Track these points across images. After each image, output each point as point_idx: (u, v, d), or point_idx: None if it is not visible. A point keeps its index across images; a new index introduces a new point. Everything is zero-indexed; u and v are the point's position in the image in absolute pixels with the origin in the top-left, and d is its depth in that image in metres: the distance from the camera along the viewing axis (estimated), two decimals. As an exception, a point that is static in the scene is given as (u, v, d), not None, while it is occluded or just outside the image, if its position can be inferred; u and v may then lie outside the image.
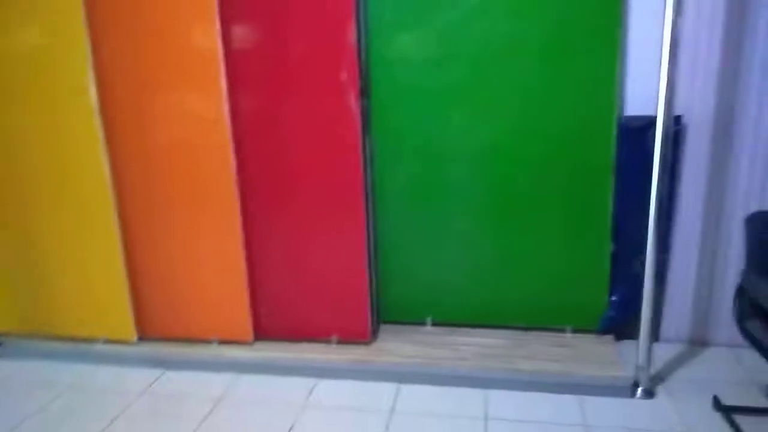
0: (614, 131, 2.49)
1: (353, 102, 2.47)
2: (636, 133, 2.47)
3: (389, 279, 2.82)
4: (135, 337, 2.84)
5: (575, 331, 2.72)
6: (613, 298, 2.66)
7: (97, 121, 2.60)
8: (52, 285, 2.87)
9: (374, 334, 2.76)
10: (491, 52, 2.50)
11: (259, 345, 2.77)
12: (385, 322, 2.87)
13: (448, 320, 2.84)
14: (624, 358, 2.47)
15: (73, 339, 2.90)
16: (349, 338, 2.72)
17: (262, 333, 2.79)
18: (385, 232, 2.77)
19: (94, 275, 2.80)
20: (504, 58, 2.50)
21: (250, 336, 2.77)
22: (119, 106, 2.61)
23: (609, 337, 2.67)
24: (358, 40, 2.44)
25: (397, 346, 2.70)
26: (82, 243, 2.78)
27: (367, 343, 2.71)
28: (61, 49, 2.56)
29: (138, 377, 2.68)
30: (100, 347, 2.85)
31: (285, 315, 2.77)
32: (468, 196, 2.68)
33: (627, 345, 2.53)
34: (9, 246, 2.87)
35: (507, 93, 2.53)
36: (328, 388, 2.53)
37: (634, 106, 2.52)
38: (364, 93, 2.54)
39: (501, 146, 2.59)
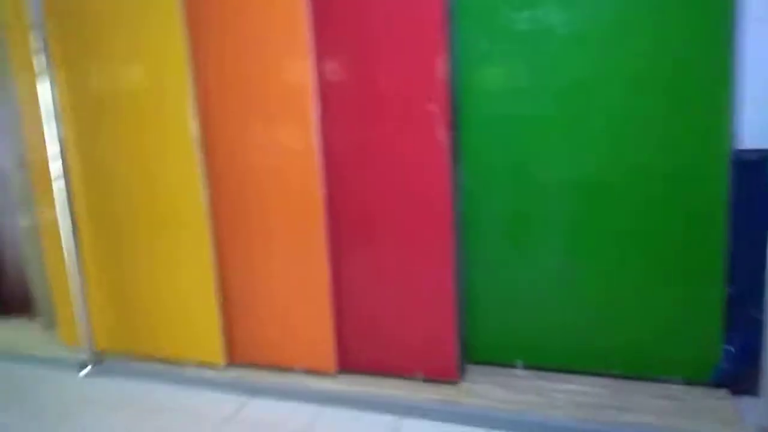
0: (727, 165, 2.29)
1: (442, 134, 2.44)
2: (752, 166, 2.26)
3: (479, 317, 2.71)
4: (223, 362, 2.90)
5: (683, 382, 2.48)
6: (728, 347, 2.40)
7: (196, 151, 2.74)
8: (149, 306, 3.02)
9: (462, 374, 2.65)
10: (586, 82, 2.40)
11: (343, 377, 2.74)
12: (474, 362, 2.75)
13: (541, 364, 2.68)
14: (742, 415, 2.20)
15: (166, 360, 3.01)
16: (435, 376, 2.62)
17: (346, 364, 2.76)
18: (475, 267, 2.68)
19: (188, 298, 2.91)
20: (601, 88, 2.39)
21: (334, 367, 2.74)
22: (216, 136, 2.74)
23: (723, 391, 2.40)
24: (448, 72, 2.43)
25: (485, 388, 2.57)
26: (178, 267, 2.90)
27: (454, 382, 2.60)
28: (165, 84, 2.74)
29: (225, 403, 2.71)
30: (190, 370, 2.93)
31: (370, 347, 2.72)
32: (565, 231, 2.55)
33: (746, 401, 2.27)
34: (112, 266, 3.06)
35: (604, 124, 2.41)
36: (413, 428, 2.44)
37: (750, 138, 2.32)
38: (454, 124, 2.51)
39: (600, 180, 2.46)
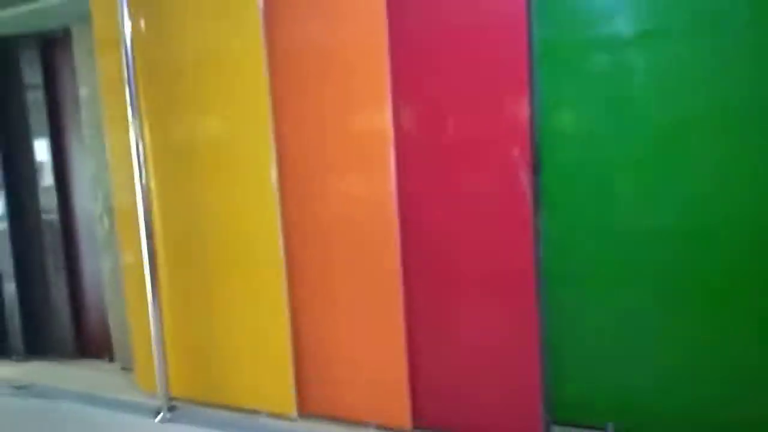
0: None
1: (525, 178, 2.35)
2: None
3: (565, 374, 2.53)
4: (295, 414, 2.83)
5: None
6: None
7: (274, 199, 2.76)
8: (224, 354, 3.01)
9: (546, 435, 2.47)
10: (675, 125, 2.27)
11: (418, 434, 2.61)
12: (559, 423, 2.55)
13: (635, 427, 2.45)
14: None
15: (239, 409, 2.97)
16: (516, 437, 2.45)
17: (421, 422, 2.62)
18: (560, 320, 2.52)
19: (262, 348, 2.89)
20: (690, 131, 2.25)
21: (409, 424, 2.61)
22: (295, 184, 2.76)
23: None
24: (531, 115, 2.35)
25: (573, 451, 2.38)
26: (253, 315, 2.89)
27: (537, 444, 2.42)
28: (246, 133, 2.80)
29: (296, 456, 2.64)
30: (263, 420, 2.87)
31: (446, 404, 2.59)
32: (655, 281, 2.37)
33: None
34: (189, 312, 3.09)
35: (693, 169, 2.26)
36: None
37: None
38: (536, 169, 2.42)
39: (692, 227, 2.28)
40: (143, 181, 2.98)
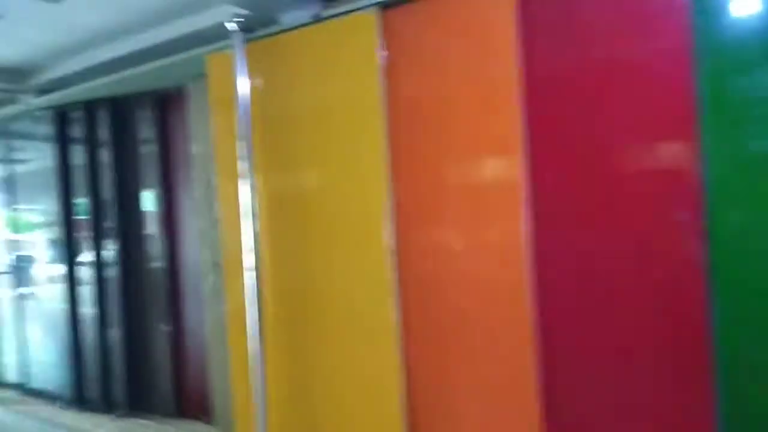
0: None
1: (695, 247, 2.00)
2: None
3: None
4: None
5: None
6: None
7: (387, 256, 2.54)
8: (332, 420, 2.77)
9: None
10: None
11: None
12: None
13: None
14: None
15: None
16: None
17: None
18: (737, 407, 2.09)
19: (372, 409, 2.65)
20: None
21: None
22: (411, 239, 2.54)
23: None
24: (701, 175, 2.01)
25: None
26: (363, 375, 2.68)
27: None
28: (360, 189, 2.63)
29: None
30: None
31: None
32: None
33: None
34: (294, 374, 2.89)
35: None
36: None
37: None
38: (708, 235, 2.06)
39: None
40: (254, 237, 2.87)
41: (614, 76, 2.15)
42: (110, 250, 4.10)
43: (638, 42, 2.10)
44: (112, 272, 4.10)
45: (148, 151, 3.98)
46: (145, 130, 3.99)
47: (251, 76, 2.91)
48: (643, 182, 2.09)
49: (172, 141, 3.94)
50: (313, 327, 2.82)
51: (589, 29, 2.19)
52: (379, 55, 2.50)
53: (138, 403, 4.08)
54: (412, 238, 2.54)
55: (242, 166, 2.86)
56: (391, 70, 2.54)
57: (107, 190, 4.09)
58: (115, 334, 4.10)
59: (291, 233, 2.89)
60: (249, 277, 2.87)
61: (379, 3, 2.49)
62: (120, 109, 4.06)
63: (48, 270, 4.52)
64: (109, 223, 4.09)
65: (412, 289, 2.54)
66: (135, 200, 4.06)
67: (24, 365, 4.73)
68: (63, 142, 4.25)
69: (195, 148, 3.62)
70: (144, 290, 4.05)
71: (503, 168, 2.34)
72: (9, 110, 4.48)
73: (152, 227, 4.01)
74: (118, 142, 4.06)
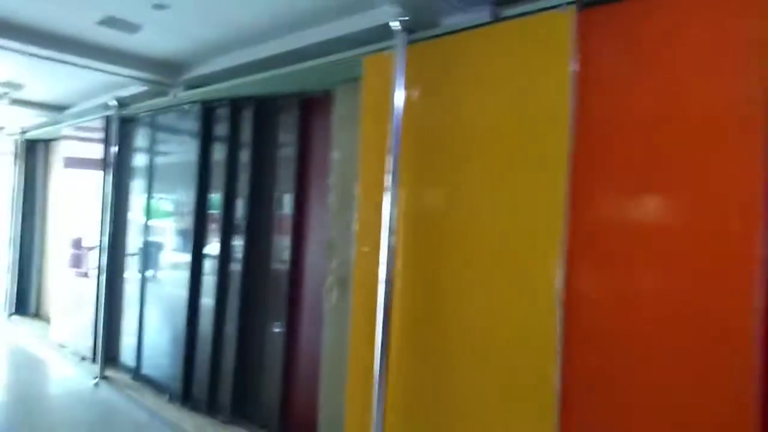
0: None
1: None
2: None
3: None
4: None
5: None
6: None
7: (555, 304, 2.16)
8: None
9: None
10: None
11: None
12: None
13: None
14: None
15: None
16: None
17: None
18: None
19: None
20: None
21: None
22: (589, 282, 2.14)
23: None
24: None
25: None
26: (508, 420, 2.29)
27: None
28: (529, 216, 2.27)
29: None
30: None
31: None
32: None
33: None
34: (420, 399, 2.57)
35: None
36: None
37: None
38: None
39: None
40: (390, 254, 2.61)
41: None
42: (237, 247, 4.04)
43: None
44: (235, 267, 4.03)
45: (287, 153, 3.88)
46: (287, 132, 3.90)
47: (409, 80, 2.67)
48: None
49: (312, 145, 3.81)
50: (448, 362, 2.49)
51: None
52: (572, 62, 2.14)
53: (241, 409, 3.95)
54: (589, 282, 2.14)
55: (388, 178, 2.63)
56: (584, 80, 2.16)
57: (242, 188, 4.03)
58: (229, 330, 4.01)
59: (433, 256, 2.60)
60: (381, 293, 2.61)
61: (576, 1, 2.14)
62: (263, 109, 4.01)
63: (174, 257, 4.55)
64: (240, 220, 4.04)
65: (582, 345, 2.14)
66: (268, 201, 3.97)
67: (140, 350, 4.79)
68: (206, 136, 4.26)
69: (335, 155, 3.44)
70: (263, 291, 3.94)
71: (741, 209, 1.84)
72: (158, 102, 4.61)
73: (281, 230, 3.90)
74: (259, 142, 4.00)
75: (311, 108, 3.82)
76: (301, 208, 3.83)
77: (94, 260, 5.27)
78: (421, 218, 2.67)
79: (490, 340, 2.34)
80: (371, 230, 2.81)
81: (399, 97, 2.64)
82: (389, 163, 2.63)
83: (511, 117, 2.35)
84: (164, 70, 4.35)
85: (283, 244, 3.86)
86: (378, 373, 2.60)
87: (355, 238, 2.97)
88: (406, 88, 2.66)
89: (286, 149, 3.88)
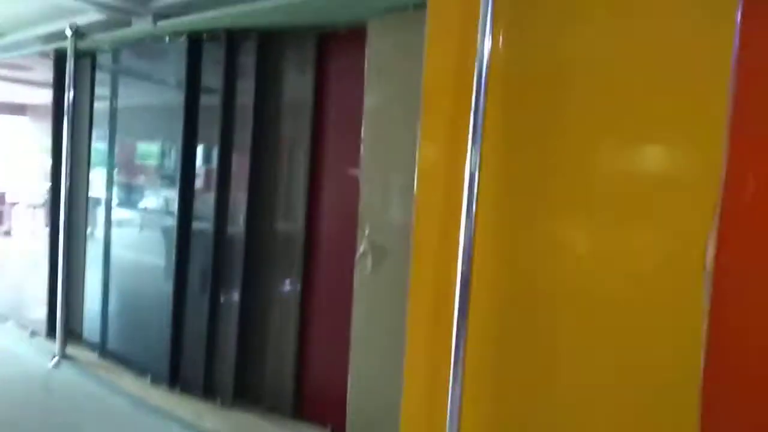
0: None
1: None
2: None
3: None
4: None
5: None
6: None
7: (702, 282, 1.83)
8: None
9: None
10: None
11: None
12: None
13: None
14: None
15: None
16: None
17: None
18: None
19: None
20: None
21: None
22: (747, 265, 1.82)
23: None
24: None
25: None
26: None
27: None
28: (670, 177, 1.92)
29: None
30: None
31: None
32: None
33: None
34: (506, 410, 2.22)
35: None
36: None
37: None
38: None
39: None
40: (470, 219, 2.19)
41: None
42: (236, 204, 3.48)
43: None
44: (235, 228, 3.48)
45: (299, 99, 3.31)
46: (299, 74, 3.31)
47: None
48: None
49: (332, 91, 3.26)
50: (548, 356, 2.13)
51: None
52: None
53: (244, 392, 3.47)
54: (751, 260, 1.81)
55: (473, 132, 2.18)
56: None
57: (242, 139, 3.44)
58: (229, 296, 3.48)
59: (535, 225, 2.19)
60: (459, 265, 2.19)
61: None
62: (268, 45, 3.39)
63: (154, 212, 3.92)
64: (238, 173, 3.47)
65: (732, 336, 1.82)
66: (274, 154, 3.41)
67: (105, 322, 4.15)
68: (193, 76, 3.60)
69: (369, 103, 2.93)
70: (272, 254, 3.43)
71: None
72: (128, 33, 3.84)
73: (290, 188, 3.37)
74: (263, 84, 3.39)
75: (332, 45, 3.25)
76: (317, 163, 3.30)
77: (22, 217, 4.52)
78: (517, 177, 2.23)
79: (622, 328, 1.98)
80: (434, 193, 2.37)
81: (486, 26, 2.15)
82: (473, 112, 2.17)
83: (648, 51, 1.91)
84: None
85: (294, 203, 3.34)
86: (453, 363, 2.20)
87: (413, 201, 2.50)
88: (495, 17, 2.17)
89: (299, 95, 3.31)
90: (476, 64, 2.17)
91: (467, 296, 2.20)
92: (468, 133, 2.19)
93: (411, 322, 2.48)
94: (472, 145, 2.18)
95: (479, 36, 2.17)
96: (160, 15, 3.67)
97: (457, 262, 2.20)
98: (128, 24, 3.84)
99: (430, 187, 2.43)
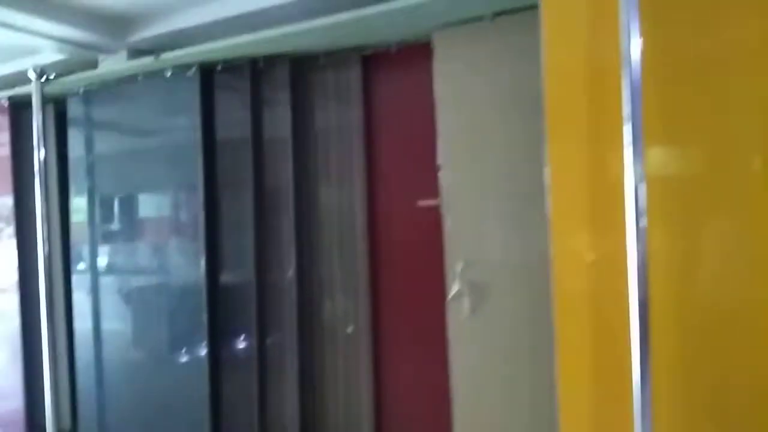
0: None
1: None
2: None
3: None
4: None
5: None
6: None
7: None
8: None
9: None
10: None
11: None
12: None
13: None
14: None
15: None
16: None
17: None
18: None
19: None
20: None
21: None
22: None
23: None
24: None
25: None
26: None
27: None
28: None
29: None
30: None
31: None
32: None
33: None
34: None
35: None
36: None
37: None
38: None
39: None
40: (641, 243, 1.89)
41: None
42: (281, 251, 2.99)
43: None
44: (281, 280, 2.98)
45: (343, 125, 2.91)
46: (341, 99, 2.92)
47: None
48: None
49: (385, 115, 2.89)
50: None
51: None
52: None
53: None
54: None
55: (633, 140, 1.89)
56: None
57: (277, 175, 2.99)
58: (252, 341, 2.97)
59: (713, 248, 1.92)
60: (634, 305, 1.88)
61: None
62: (301, 70, 2.98)
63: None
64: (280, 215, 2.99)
65: None
66: (318, 190, 2.98)
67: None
68: (207, 109, 3.11)
69: (445, 123, 2.59)
70: (332, 304, 2.96)
71: None
72: (112, 70, 3.26)
73: (345, 226, 2.93)
74: (299, 114, 2.96)
75: (379, 66, 2.88)
76: (374, 194, 2.89)
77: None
78: (685, 193, 1.96)
79: None
80: (584, 213, 2.07)
81: (628, 21, 1.89)
82: (629, 119, 1.89)
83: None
84: (97, 25, 3.03)
85: (350, 241, 2.90)
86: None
87: (549, 226, 2.17)
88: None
89: (345, 123, 2.90)
90: (623, 65, 1.91)
91: (647, 338, 1.88)
92: (620, 144, 1.91)
93: (562, 375, 2.11)
94: (634, 157, 1.89)
95: (622, 34, 1.91)
96: (137, 50, 3.17)
97: (624, 297, 1.88)
98: (92, 66, 3.28)
99: (571, 210, 2.12)
